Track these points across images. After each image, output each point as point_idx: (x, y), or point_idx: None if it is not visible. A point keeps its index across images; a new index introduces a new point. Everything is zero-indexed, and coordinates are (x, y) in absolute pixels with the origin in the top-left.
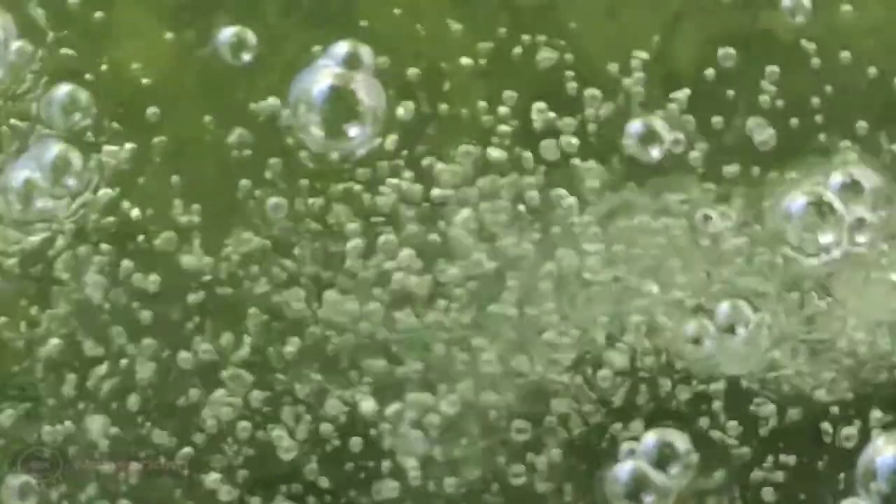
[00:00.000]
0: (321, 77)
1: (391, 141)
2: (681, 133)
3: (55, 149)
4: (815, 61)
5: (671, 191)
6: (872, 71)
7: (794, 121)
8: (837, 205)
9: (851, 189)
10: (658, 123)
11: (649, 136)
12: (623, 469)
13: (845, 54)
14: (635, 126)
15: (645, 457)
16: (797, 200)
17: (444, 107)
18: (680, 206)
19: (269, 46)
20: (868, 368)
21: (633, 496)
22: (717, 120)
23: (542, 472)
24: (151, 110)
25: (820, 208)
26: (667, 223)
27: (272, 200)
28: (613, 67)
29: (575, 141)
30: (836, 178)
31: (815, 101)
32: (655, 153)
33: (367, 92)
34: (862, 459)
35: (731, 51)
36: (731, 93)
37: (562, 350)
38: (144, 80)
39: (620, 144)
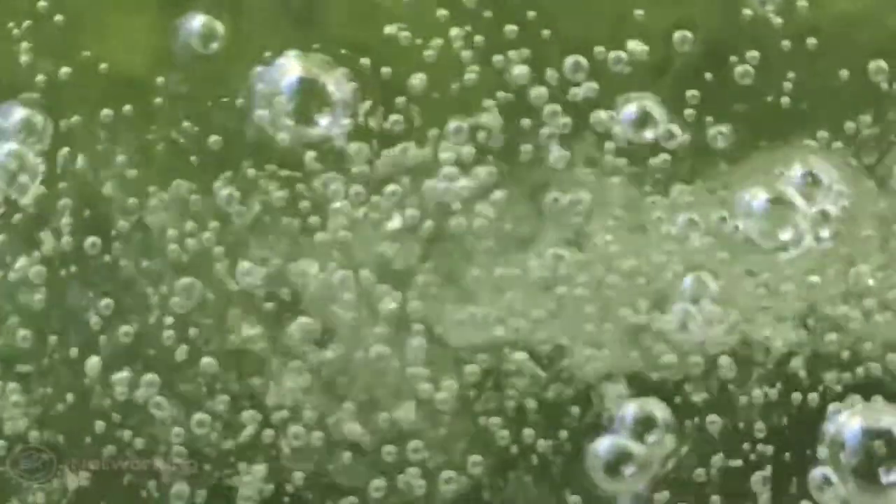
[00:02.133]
0: (289, 68)
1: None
2: (652, 127)
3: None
4: (783, 53)
5: (640, 184)
6: (838, 65)
7: (756, 114)
8: (798, 199)
9: (812, 183)
10: (628, 117)
11: (633, 125)
12: (603, 443)
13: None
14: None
15: (624, 430)
16: (759, 196)
17: (428, 90)
18: (647, 200)
19: (238, 37)
20: (839, 344)
21: (613, 469)
22: (686, 113)
23: (518, 449)
24: (121, 100)
25: (781, 203)
26: (634, 214)
27: (243, 189)
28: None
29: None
30: (797, 171)
31: (782, 93)
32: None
33: (335, 83)
34: (829, 431)
35: (689, 34)
36: (695, 89)
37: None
38: (115, 71)
39: (593, 138)
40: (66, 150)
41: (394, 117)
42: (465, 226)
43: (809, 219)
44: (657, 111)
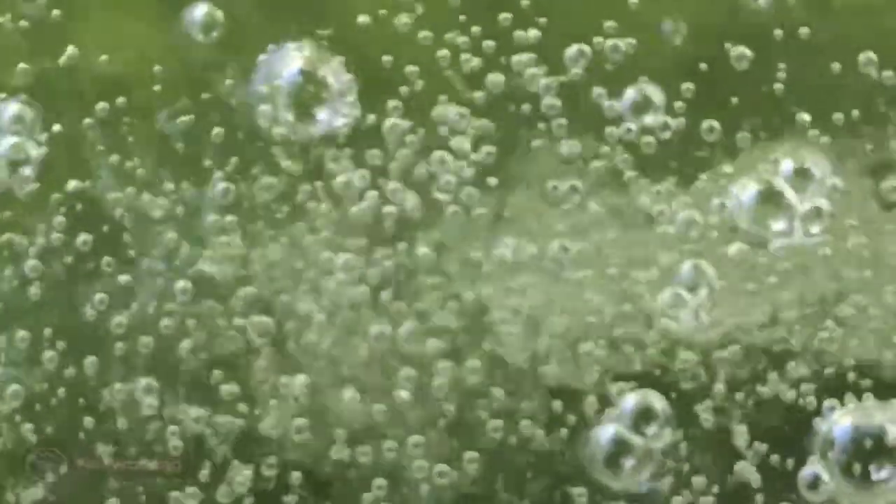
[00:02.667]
0: (290, 60)
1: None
2: (639, 119)
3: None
4: (776, 47)
5: (628, 174)
6: (830, 58)
7: (750, 106)
8: (789, 193)
9: (804, 176)
10: (623, 106)
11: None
12: (604, 433)
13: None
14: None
15: (624, 420)
16: (750, 188)
17: (426, 77)
18: (634, 190)
19: (238, 28)
20: (828, 340)
21: (613, 461)
22: (678, 105)
23: (518, 439)
24: (120, 91)
25: (771, 197)
26: (627, 203)
27: (242, 183)
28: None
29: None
30: (788, 165)
31: (776, 83)
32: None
33: (335, 75)
34: (821, 429)
35: (683, 25)
36: (687, 81)
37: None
38: (113, 64)
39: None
40: (64, 145)
41: (392, 103)
42: (462, 213)
43: (801, 212)
44: (651, 101)
